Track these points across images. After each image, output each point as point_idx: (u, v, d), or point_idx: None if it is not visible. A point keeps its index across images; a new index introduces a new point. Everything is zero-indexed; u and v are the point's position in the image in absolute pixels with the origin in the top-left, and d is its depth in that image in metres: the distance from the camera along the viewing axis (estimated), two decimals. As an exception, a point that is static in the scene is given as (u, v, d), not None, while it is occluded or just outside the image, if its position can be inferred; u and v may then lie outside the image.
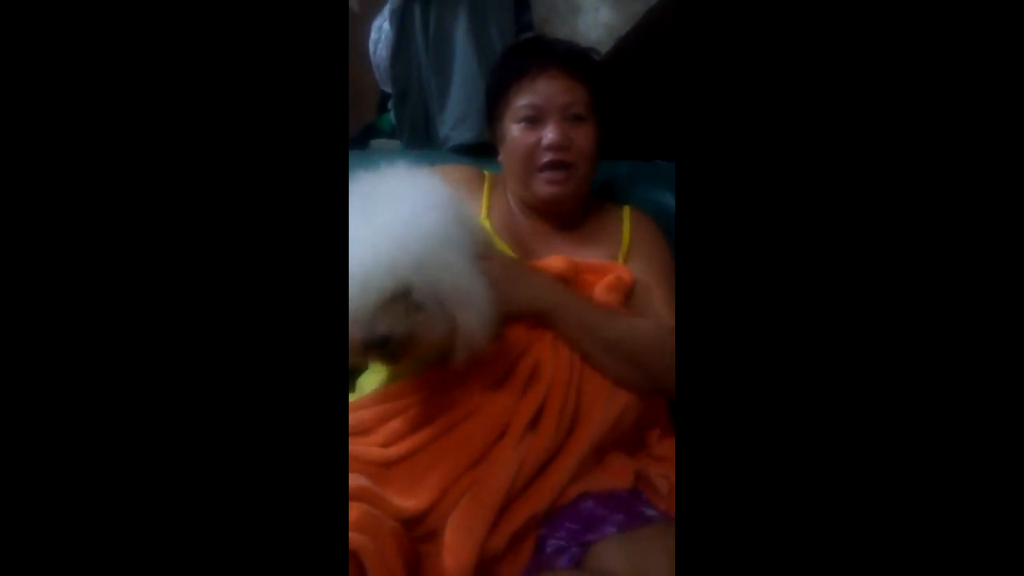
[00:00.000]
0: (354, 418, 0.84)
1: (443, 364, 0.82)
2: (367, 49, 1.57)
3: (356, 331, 0.71)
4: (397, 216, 0.74)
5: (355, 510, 0.71)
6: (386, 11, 1.51)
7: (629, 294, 0.98)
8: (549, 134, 0.99)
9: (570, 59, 1.04)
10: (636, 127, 1.30)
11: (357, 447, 0.81)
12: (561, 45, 1.09)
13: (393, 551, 0.71)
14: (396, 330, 0.72)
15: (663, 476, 0.89)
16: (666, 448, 0.95)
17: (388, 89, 1.55)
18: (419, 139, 1.52)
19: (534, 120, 1.01)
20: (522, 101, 1.01)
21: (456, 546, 0.73)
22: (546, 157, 1.00)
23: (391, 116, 1.57)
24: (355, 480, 0.75)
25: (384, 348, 0.73)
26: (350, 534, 0.68)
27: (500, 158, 1.09)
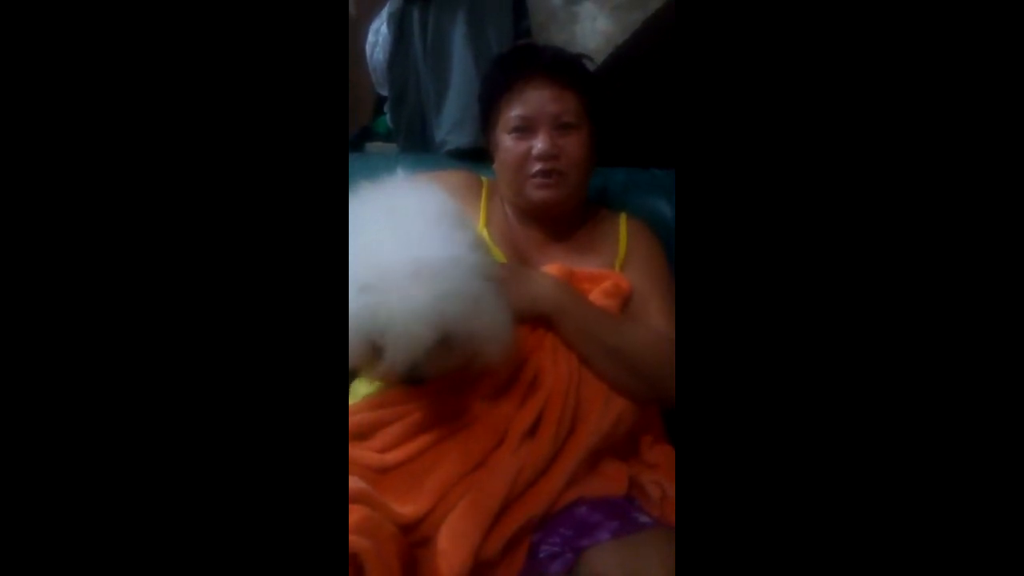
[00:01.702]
0: (351, 422, 0.83)
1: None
2: (364, 52, 1.57)
3: (396, 370, 0.74)
4: (430, 249, 0.75)
5: (356, 513, 0.71)
6: (384, 14, 1.51)
7: (626, 301, 0.99)
8: (539, 144, 1.00)
9: (558, 67, 1.04)
10: (633, 135, 1.31)
11: (354, 451, 0.81)
12: (549, 53, 1.09)
13: (393, 555, 0.71)
14: (436, 368, 0.76)
15: (656, 483, 0.89)
16: (658, 455, 0.95)
17: (384, 92, 1.55)
18: (415, 143, 1.52)
19: (524, 130, 1.01)
20: (512, 112, 1.02)
21: (451, 551, 0.73)
22: (536, 167, 1.00)
23: (387, 119, 1.57)
24: (356, 483, 0.75)
25: (418, 385, 0.78)
26: (351, 536, 0.67)
27: (494, 167, 1.09)
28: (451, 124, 1.40)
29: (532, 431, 0.84)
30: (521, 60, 1.07)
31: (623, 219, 1.10)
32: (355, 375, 0.94)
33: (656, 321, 0.97)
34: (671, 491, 0.88)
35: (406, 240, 0.75)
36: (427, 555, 0.76)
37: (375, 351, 0.73)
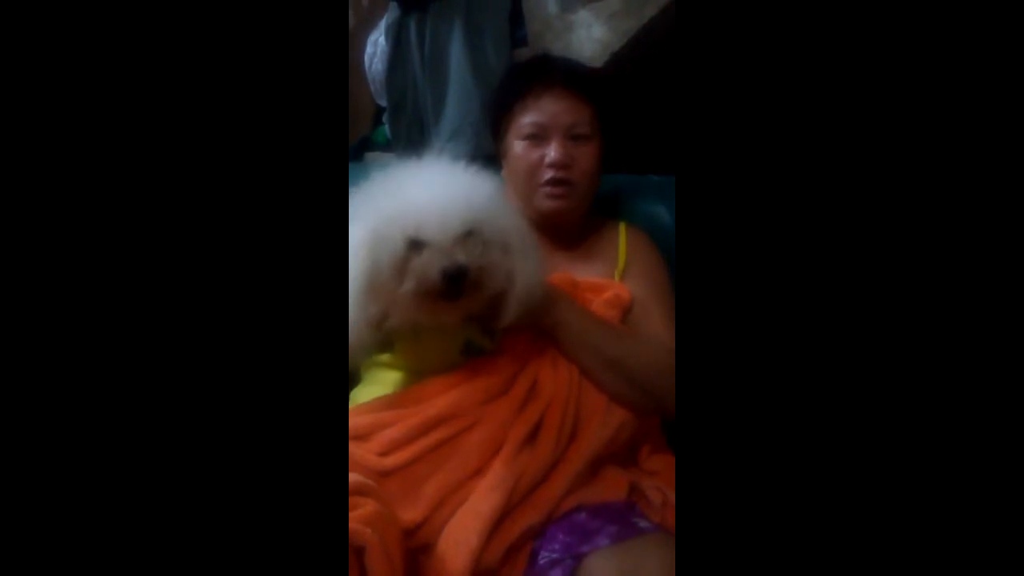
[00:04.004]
0: (351, 422, 0.83)
1: (449, 368, 0.86)
2: (362, 63, 1.58)
3: (434, 263, 0.76)
4: (459, 171, 0.82)
5: (366, 506, 0.69)
6: (382, 25, 1.52)
7: (627, 311, 0.99)
8: (552, 152, 1.00)
9: (575, 78, 1.05)
10: (631, 141, 1.31)
11: (355, 451, 0.80)
12: (566, 64, 1.10)
13: (397, 552, 0.70)
14: (473, 262, 0.77)
15: (657, 488, 0.89)
16: (657, 463, 0.95)
17: (383, 102, 1.56)
18: (414, 152, 1.52)
19: (537, 138, 1.02)
20: (526, 119, 1.02)
21: (451, 558, 0.73)
22: (548, 175, 1.01)
23: (386, 129, 1.58)
24: (362, 479, 0.74)
25: (459, 280, 0.76)
26: (359, 528, 0.66)
27: (503, 173, 1.09)
28: (450, 132, 1.41)
29: (532, 438, 0.84)
30: (539, 69, 1.07)
31: (622, 228, 1.10)
32: (355, 379, 0.94)
33: (657, 331, 0.96)
34: (672, 497, 0.87)
35: (429, 170, 0.84)
36: (427, 561, 0.76)
37: (411, 247, 0.76)
